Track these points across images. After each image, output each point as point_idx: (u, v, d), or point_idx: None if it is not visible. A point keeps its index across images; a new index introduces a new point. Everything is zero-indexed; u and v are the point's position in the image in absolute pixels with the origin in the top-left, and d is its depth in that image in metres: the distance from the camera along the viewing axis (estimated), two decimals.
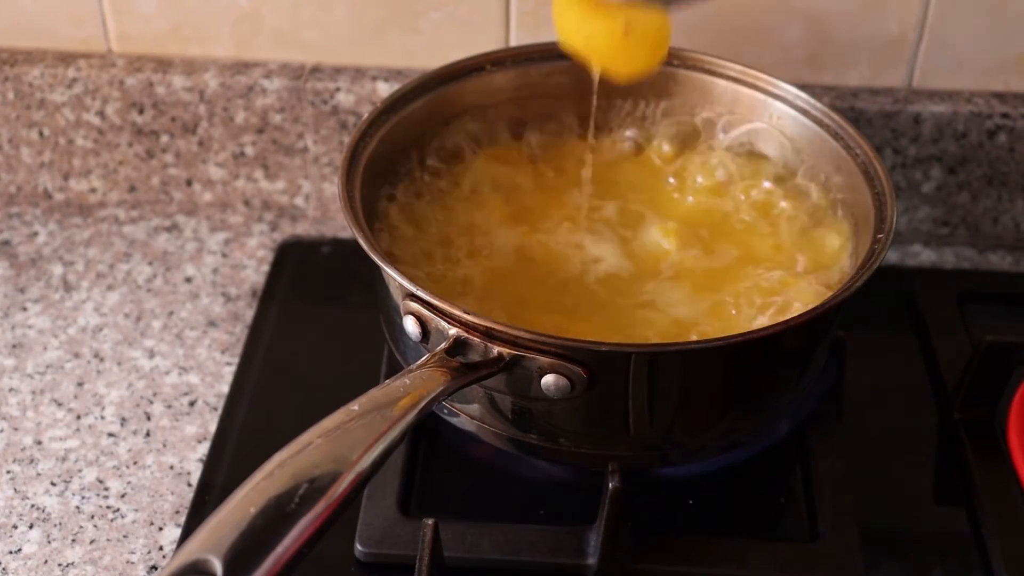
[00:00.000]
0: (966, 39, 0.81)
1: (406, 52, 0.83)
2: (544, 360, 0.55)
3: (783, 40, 0.81)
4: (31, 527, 0.65)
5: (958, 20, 0.80)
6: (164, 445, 0.70)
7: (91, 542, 0.64)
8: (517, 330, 0.55)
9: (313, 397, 0.71)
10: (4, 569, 0.63)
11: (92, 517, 0.66)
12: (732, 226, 0.70)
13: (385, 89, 0.82)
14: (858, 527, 0.63)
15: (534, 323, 0.63)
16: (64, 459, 0.69)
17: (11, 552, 0.64)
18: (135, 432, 0.70)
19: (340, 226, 0.87)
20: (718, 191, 0.72)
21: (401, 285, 0.58)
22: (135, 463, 0.69)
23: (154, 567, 0.63)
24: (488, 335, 0.56)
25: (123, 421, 0.71)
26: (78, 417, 0.71)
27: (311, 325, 0.78)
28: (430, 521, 0.58)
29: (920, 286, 0.79)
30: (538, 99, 0.75)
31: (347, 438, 0.50)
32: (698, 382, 0.60)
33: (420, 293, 0.57)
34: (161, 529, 0.65)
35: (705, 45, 0.81)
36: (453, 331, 0.56)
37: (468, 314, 0.55)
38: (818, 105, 0.70)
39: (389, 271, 0.58)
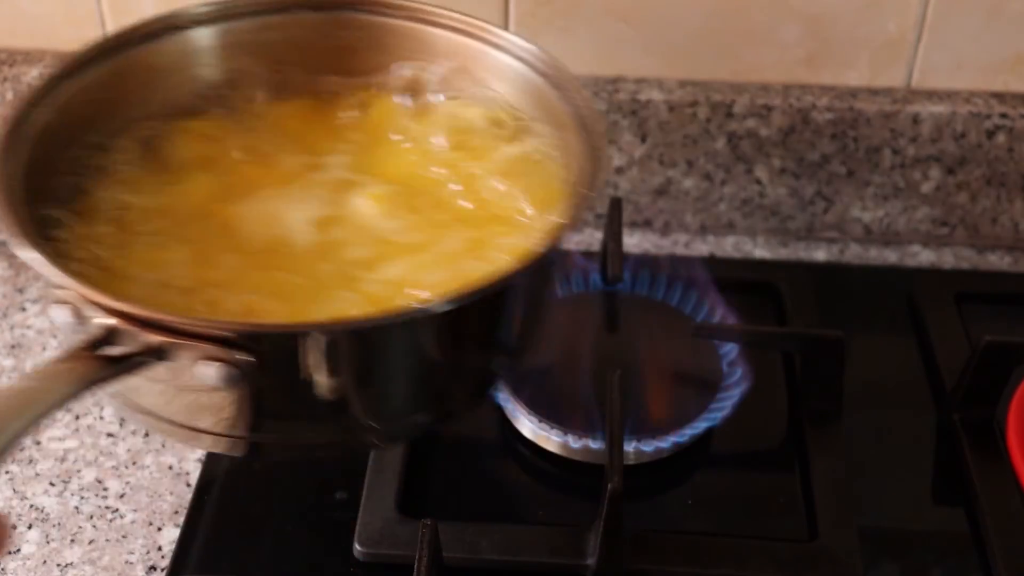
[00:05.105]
0: (965, 39, 0.81)
1: None
2: (204, 347, 0.50)
3: (782, 40, 0.81)
4: (30, 527, 0.65)
5: (957, 20, 0.80)
6: (163, 445, 0.70)
7: (90, 542, 0.64)
8: (169, 316, 0.49)
9: None
10: (3, 569, 0.63)
11: (91, 517, 0.66)
12: (448, 187, 0.64)
13: None
14: (857, 527, 0.63)
15: (222, 306, 0.56)
16: (63, 459, 0.69)
17: (10, 552, 0.63)
18: (134, 432, 0.70)
19: None
20: (435, 149, 0.66)
21: (46, 273, 0.52)
22: (134, 463, 0.69)
23: (153, 567, 0.63)
24: (140, 323, 0.50)
25: (122, 421, 0.71)
26: (77, 417, 0.71)
27: None
28: (428, 521, 0.58)
29: (919, 286, 0.79)
30: (247, 58, 0.67)
31: None
32: (379, 360, 0.54)
33: (64, 281, 0.51)
34: (160, 529, 0.65)
35: (703, 45, 0.81)
36: (103, 320, 0.50)
37: (115, 301, 0.50)
38: (542, 55, 0.64)
39: (30, 257, 0.51)
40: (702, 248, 0.86)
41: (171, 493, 0.67)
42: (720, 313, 0.72)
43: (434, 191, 0.64)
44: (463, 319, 0.54)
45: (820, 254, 0.85)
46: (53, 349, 0.75)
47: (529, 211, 0.62)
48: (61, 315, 0.51)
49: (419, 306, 0.52)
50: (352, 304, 0.57)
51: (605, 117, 0.60)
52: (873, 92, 0.82)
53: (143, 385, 0.53)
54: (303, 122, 0.68)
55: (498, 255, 0.58)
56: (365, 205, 0.62)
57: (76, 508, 0.66)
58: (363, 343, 0.53)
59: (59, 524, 0.65)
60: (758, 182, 0.84)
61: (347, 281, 0.58)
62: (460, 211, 0.63)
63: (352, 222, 0.62)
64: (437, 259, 0.60)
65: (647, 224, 0.87)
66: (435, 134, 0.67)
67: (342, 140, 0.67)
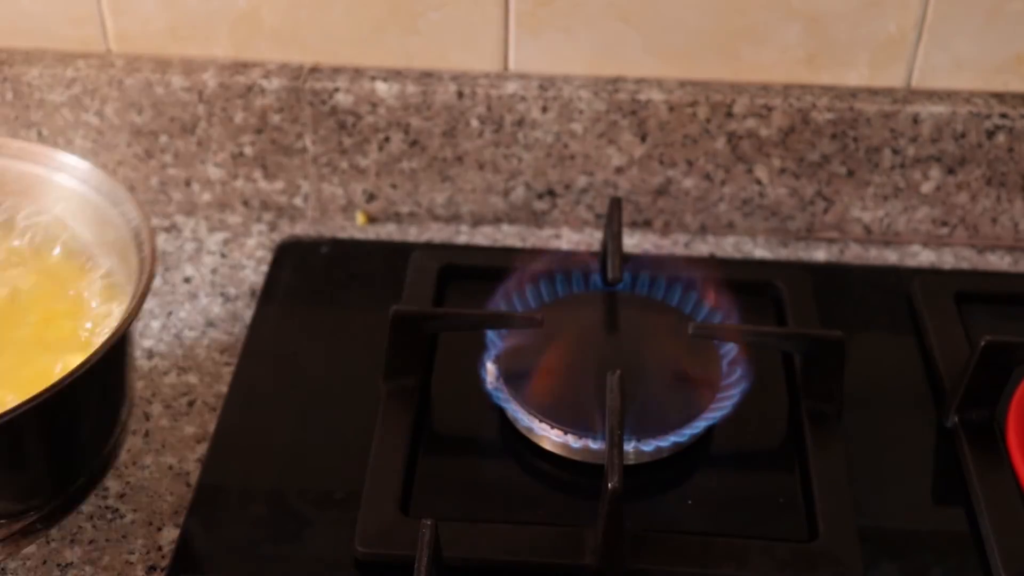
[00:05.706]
0: (965, 39, 0.81)
1: (405, 52, 0.83)
2: None
3: (782, 40, 0.81)
4: None
5: (957, 20, 0.80)
6: (163, 445, 0.70)
7: (90, 542, 0.64)
8: None
9: (312, 397, 0.72)
10: (3, 569, 0.63)
11: (91, 517, 0.66)
12: (10, 324, 0.65)
13: (384, 89, 0.82)
14: (857, 527, 0.63)
15: None
16: None
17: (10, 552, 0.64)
18: (134, 432, 0.70)
19: (339, 226, 0.87)
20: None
21: None
22: (134, 463, 0.68)
23: (153, 567, 0.63)
24: None
25: None
26: None
27: (310, 325, 0.78)
28: (429, 521, 0.58)
29: (918, 286, 0.79)
30: None
31: None
32: None
33: None
34: (160, 529, 0.65)
35: (703, 45, 0.81)
36: None
37: None
38: (98, 175, 0.67)
39: None
40: (702, 248, 0.86)
41: (171, 493, 0.67)
42: (723, 313, 0.72)
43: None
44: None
45: (820, 254, 0.86)
46: None
47: (83, 327, 0.63)
48: None
49: None
50: None
51: (153, 232, 0.63)
52: (873, 92, 0.82)
53: None
54: None
55: (38, 377, 0.57)
56: None
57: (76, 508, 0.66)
58: None
59: (58, 524, 0.65)
60: (758, 182, 0.84)
61: None
62: (25, 346, 0.63)
63: None
64: None
65: (647, 224, 0.87)
66: None
67: None
